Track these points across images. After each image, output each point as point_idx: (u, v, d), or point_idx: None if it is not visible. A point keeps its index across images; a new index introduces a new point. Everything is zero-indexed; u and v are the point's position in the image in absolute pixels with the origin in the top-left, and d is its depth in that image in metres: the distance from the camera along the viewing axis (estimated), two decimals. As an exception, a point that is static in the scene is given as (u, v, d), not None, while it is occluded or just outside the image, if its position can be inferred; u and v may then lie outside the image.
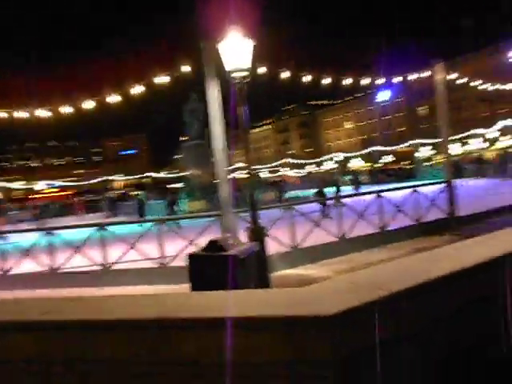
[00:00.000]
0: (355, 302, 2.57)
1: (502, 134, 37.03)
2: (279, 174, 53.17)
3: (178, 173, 70.42)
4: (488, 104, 47.11)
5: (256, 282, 5.01)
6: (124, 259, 7.83)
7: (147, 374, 2.58)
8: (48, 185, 46.79)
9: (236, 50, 5.82)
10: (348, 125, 73.66)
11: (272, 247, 6.91)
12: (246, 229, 6.07)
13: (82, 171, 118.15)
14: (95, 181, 63.71)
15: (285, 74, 9.20)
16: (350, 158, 47.44)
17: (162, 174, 59.56)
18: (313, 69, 10.03)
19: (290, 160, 48.69)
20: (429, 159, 42.29)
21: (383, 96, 53.73)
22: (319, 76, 9.95)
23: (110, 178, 67.03)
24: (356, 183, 20.46)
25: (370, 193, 9.74)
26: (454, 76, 11.99)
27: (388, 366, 2.75)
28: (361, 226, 8.86)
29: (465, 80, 12.09)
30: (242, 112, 5.98)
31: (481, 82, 14.14)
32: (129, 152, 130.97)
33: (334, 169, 49.22)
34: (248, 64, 5.92)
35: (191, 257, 4.63)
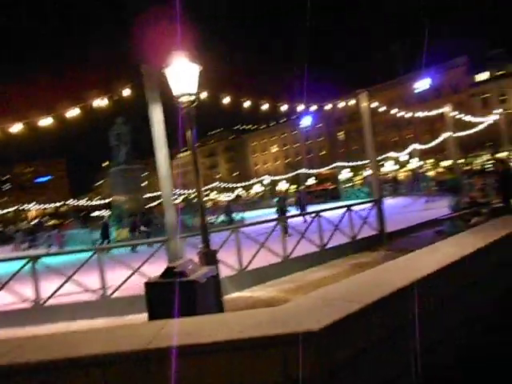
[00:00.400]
0: (337, 316, 2.69)
1: (411, 157, 40.89)
2: (209, 198, 53.05)
3: (99, 199, 66.91)
4: (397, 130, 51.93)
5: (213, 306, 4.95)
6: (59, 293, 7.24)
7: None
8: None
9: (182, 75, 5.86)
10: (274, 149, 76.15)
11: (220, 270, 6.87)
12: (198, 253, 5.99)
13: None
14: (5, 211, 58.16)
15: (210, 99, 9.20)
16: (278, 180, 48.95)
17: (83, 202, 56.13)
18: (239, 94, 10.26)
19: (220, 184, 48.86)
20: (349, 181, 45.10)
21: (306, 121, 56.60)
22: (245, 101, 10.15)
23: (23, 207, 61.44)
24: (300, 204, 21.29)
25: (311, 212, 10.15)
26: (372, 104, 13.07)
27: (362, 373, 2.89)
28: (303, 244, 9.17)
29: (381, 108, 13.24)
30: (191, 135, 5.99)
31: (396, 109, 15.56)
32: (44, 179, 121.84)
33: (263, 191, 50.29)
34: (195, 88, 5.98)
35: (148, 285, 4.45)
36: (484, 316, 4.25)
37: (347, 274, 8.51)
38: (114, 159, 27.81)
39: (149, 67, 6.86)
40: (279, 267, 8.46)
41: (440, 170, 40.69)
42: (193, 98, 5.95)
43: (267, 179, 44.55)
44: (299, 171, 40.04)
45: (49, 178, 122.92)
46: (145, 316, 4.48)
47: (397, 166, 43.97)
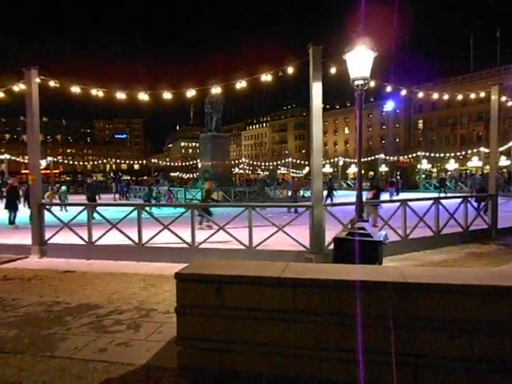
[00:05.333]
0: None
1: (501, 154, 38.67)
2: (280, 172, 54.11)
3: (169, 162, 70.43)
4: (484, 123, 49.03)
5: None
6: (211, 240, 8.44)
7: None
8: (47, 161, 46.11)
9: (360, 61, 6.47)
10: (346, 131, 75.06)
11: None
12: (350, 220, 6.75)
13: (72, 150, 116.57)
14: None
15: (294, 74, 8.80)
16: (350, 164, 48.72)
17: (161, 162, 59.44)
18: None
19: (291, 160, 49.49)
20: (427, 172, 43.77)
21: (387, 107, 55.18)
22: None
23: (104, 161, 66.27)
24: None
25: (431, 199, 10.62)
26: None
27: None
28: (420, 228, 9.68)
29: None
30: (359, 114, 6.65)
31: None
32: (122, 136, 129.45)
33: (335, 172, 49.98)
34: (368, 73, 6.58)
35: (337, 239, 5.29)
36: None
37: (465, 260, 8.89)
38: (206, 126, 29.35)
39: (316, 48, 7.54)
40: (398, 245, 9.04)
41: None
42: (366, 81, 6.57)
43: (341, 161, 44.38)
44: (377, 156, 39.49)
45: (125, 136, 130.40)
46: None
47: (480, 162, 41.78)
